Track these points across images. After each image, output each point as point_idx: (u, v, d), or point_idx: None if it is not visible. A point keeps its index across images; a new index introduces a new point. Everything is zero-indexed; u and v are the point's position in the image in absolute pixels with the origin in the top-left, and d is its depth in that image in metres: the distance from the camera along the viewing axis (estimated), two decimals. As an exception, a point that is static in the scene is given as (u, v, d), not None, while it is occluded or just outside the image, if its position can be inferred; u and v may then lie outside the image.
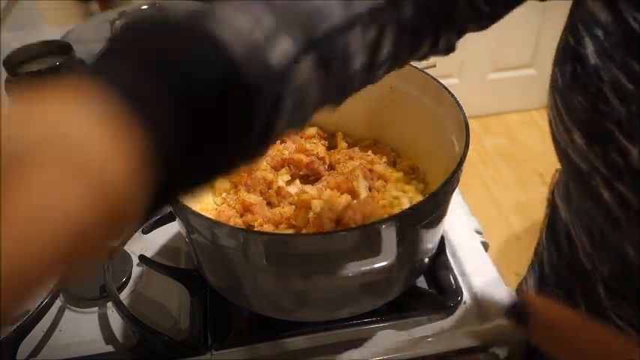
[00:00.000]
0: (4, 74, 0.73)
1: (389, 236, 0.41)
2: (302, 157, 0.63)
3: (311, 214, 0.55)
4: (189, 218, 0.46)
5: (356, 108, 0.68)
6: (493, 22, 0.38)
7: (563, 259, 0.50)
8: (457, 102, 0.54)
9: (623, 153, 0.32)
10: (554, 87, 0.37)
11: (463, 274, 0.62)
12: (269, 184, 0.62)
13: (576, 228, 0.45)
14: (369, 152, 0.66)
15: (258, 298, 0.52)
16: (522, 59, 2.18)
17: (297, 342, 0.54)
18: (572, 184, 0.42)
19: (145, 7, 1.01)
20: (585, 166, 0.36)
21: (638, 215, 0.33)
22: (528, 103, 2.26)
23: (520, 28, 2.06)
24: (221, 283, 0.55)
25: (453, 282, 0.58)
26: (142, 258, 0.61)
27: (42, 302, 0.56)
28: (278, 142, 0.69)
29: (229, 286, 0.54)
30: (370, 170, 0.63)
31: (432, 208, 0.47)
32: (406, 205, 0.59)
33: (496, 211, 1.90)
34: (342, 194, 0.58)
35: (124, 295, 0.60)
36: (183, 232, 0.52)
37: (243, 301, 0.54)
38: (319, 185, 0.61)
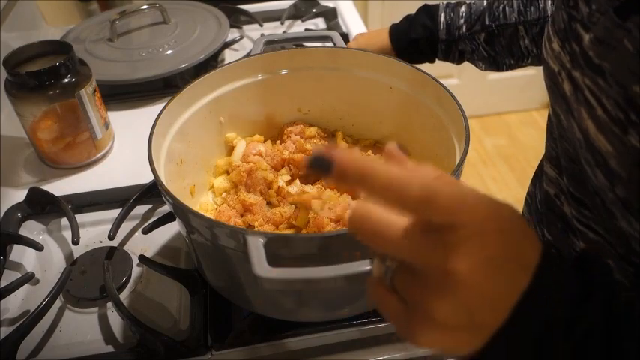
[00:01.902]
0: (4, 74, 0.73)
1: None
2: (302, 157, 0.63)
3: (311, 214, 0.55)
4: (189, 218, 0.46)
5: (356, 108, 0.69)
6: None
7: (540, 196, 0.55)
8: (457, 102, 0.54)
9: (579, 40, 0.40)
10: (551, 15, 0.47)
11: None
12: (269, 185, 0.62)
13: (551, 153, 0.51)
14: (369, 152, 0.66)
15: (258, 298, 0.52)
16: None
17: (297, 342, 0.54)
18: (550, 94, 0.48)
19: (145, 7, 1.01)
20: (556, 66, 0.44)
21: (582, 94, 0.40)
22: (528, 103, 2.26)
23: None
24: (221, 283, 0.55)
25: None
26: (142, 258, 0.61)
27: (42, 302, 0.56)
28: (278, 142, 0.69)
29: (229, 286, 0.54)
30: None
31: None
32: None
33: (496, 211, 1.90)
34: (342, 194, 0.58)
35: (124, 295, 0.60)
36: (183, 232, 0.52)
37: (243, 301, 0.54)
38: (319, 185, 0.61)
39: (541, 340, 0.27)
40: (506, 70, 0.73)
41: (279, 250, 0.42)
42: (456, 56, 0.73)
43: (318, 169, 0.28)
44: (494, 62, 0.72)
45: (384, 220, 0.28)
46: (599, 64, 0.37)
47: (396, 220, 0.28)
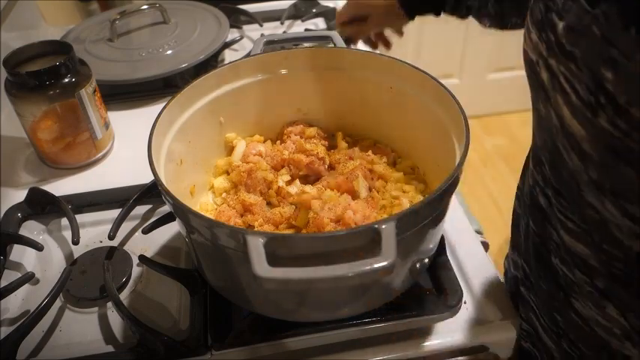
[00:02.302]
0: (4, 74, 0.73)
1: (389, 236, 0.41)
2: (302, 157, 0.63)
3: (311, 214, 0.55)
4: (189, 218, 0.46)
5: (356, 108, 0.69)
6: None
7: (525, 188, 0.57)
8: (457, 102, 0.54)
9: (554, 29, 0.41)
10: (530, 7, 0.47)
11: (463, 274, 0.62)
12: (269, 185, 0.62)
13: (533, 145, 0.53)
14: (369, 152, 0.66)
15: (258, 299, 0.52)
16: (522, 59, 2.18)
17: (297, 342, 0.54)
18: (530, 86, 0.50)
19: (144, 7, 1.01)
20: (535, 56, 0.45)
21: (558, 81, 0.41)
22: (528, 103, 2.25)
23: (520, 28, 2.06)
24: (221, 283, 0.55)
25: (452, 282, 0.58)
26: (142, 258, 0.61)
27: (42, 302, 0.56)
28: (278, 142, 0.69)
29: (229, 287, 0.54)
30: (370, 170, 0.63)
31: (433, 209, 0.47)
32: (406, 205, 0.59)
33: (496, 211, 1.90)
34: (342, 194, 0.58)
35: (124, 295, 0.60)
36: (183, 232, 0.52)
37: (243, 301, 0.54)
38: (319, 185, 0.61)
39: None
40: (510, 29, 0.74)
41: (279, 250, 0.42)
42: (463, 11, 0.75)
43: None
44: (500, 20, 0.74)
45: None
46: (571, 50, 0.39)
47: None
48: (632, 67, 0.34)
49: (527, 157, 0.59)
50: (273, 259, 0.39)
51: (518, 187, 0.60)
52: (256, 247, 0.39)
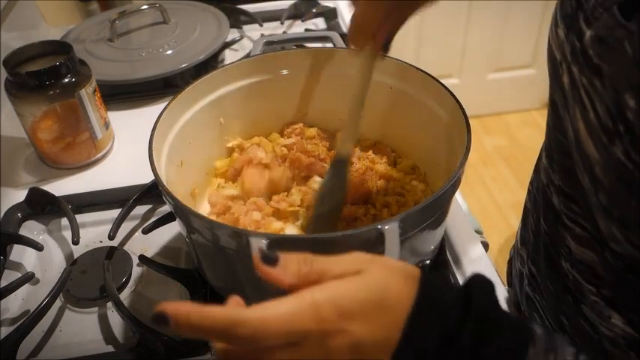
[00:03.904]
0: (4, 74, 0.73)
1: (392, 237, 0.41)
2: (302, 157, 0.63)
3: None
4: (190, 219, 0.46)
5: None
6: None
7: (538, 185, 0.55)
8: (459, 102, 0.54)
9: (580, 35, 0.38)
10: (558, 1, 0.45)
11: (463, 274, 0.62)
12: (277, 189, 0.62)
13: (546, 142, 0.51)
14: (370, 152, 0.65)
15: (260, 299, 0.52)
16: (522, 59, 2.18)
17: (297, 342, 0.54)
18: (550, 81, 0.47)
19: (144, 7, 1.01)
20: (559, 55, 0.43)
21: (578, 93, 0.38)
22: (528, 103, 2.26)
23: (520, 28, 2.06)
24: (222, 283, 0.55)
25: (453, 282, 0.58)
26: (142, 258, 0.61)
27: (42, 302, 0.56)
28: (278, 140, 0.69)
29: (230, 287, 0.54)
30: (371, 169, 0.63)
31: (434, 209, 0.47)
32: (410, 205, 0.59)
33: (496, 211, 1.90)
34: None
35: (124, 295, 0.60)
36: (184, 232, 0.52)
37: (244, 301, 0.54)
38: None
39: None
40: None
41: (281, 251, 0.42)
42: None
43: (159, 324, 0.29)
44: None
45: None
46: (599, 64, 0.36)
47: None
48: None
49: (541, 151, 0.56)
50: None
51: (531, 182, 0.59)
52: (259, 248, 0.39)
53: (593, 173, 0.38)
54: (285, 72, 0.66)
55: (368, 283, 0.31)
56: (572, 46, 0.40)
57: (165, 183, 0.49)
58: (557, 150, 0.47)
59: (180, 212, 0.47)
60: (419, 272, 0.32)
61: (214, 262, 0.52)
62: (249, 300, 0.53)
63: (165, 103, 0.57)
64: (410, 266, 0.33)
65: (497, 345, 0.31)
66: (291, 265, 0.32)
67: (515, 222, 1.81)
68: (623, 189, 0.35)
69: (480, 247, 0.65)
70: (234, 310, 0.29)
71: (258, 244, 0.39)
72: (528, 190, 0.60)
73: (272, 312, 0.29)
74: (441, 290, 0.32)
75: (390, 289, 0.31)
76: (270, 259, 0.32)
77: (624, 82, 0.33)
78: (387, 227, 0.41)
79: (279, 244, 0.41)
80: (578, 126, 0.39)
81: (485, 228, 0.72)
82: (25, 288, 0.61)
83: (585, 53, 0.37)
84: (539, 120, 2.23)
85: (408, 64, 0.61)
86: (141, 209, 0.70)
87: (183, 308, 0.29)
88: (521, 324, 0.33)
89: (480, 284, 0.33)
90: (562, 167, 0.46)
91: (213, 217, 0.59)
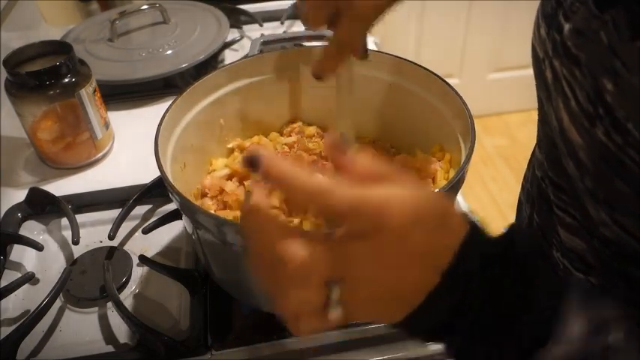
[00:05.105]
0: (4, 74, 0.73)
1: None
2: (304, 155, 0.63)
3: None
4: (197, 215, 0.46)
5: (354, 106, 0.68)
6: None
7: (531, 179, 0.57)
8: (462, 100, 0.54)
9: (560, 29, 0.40)
10: (540, 3, 0.47)
11: (463, 274, 0.62)
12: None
13: (538, 137, 0.53)
14: (369, 149, 0.65)
15: (267, 296, 0.52)
16: (522, 59, 2.17)
17: (297, 342, 0.54)
18: (535, 80, 0.49)
19: (145, 7, 1.01)
20: (542, 53, 0.45)
21: (560, 84, 0.40)
22: (528, 103, 2.25)
23: (520, 28, 2.06)
24: (229, 280, 0.55)
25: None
26: (142, 258, 0.61)
27: (42, 302, 0.56)
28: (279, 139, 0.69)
29: (237, 284, 0.54)
30: None
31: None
32: None
33: (496, 211, 1.90)
34: None
35: (124, 295, 0.60)
36: (189, 228, 0.52)
37: (250, 298, 0.54)
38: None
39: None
40: None
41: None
42: None
43: (248, 166, 0.31)
44: None
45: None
46: (576, 54, 0.38)
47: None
48: (633, 80, 0.33)
49: (535, 146, 0.58)
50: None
51: (525, 177, 0.60)
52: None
53: (577, 158, 0.39)
54: (284, 72, 0.66)
55: (437, 203, 0.32)
56: (553, 42, 0.42)
57: (172, 181, 0.49)
58: (546, 143, 0.49)
59: (187, 209, 0.47)
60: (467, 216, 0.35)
61: (222, 259, 0.52)
62: (257, 296, 0.53)
63: (165, 103, 0.57)
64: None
65: (541, 276, 0.32)
66: (363, 157, 0.32)
67: (515, 222, 1.81)
68: (607, 170, 0.37)
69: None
70: (332, 181, 0.30)
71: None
72: (522, 185, 0.61)
73: (369, 192, 0.30)
74: (485, 234, 0.34)
75: (452, 214, 0.32)
76: (342, 148, 0.33)
77: (601, 68, 0.35)
78: None
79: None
80: (561, 115, 0.41)
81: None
82: (25, 288, 0.61)
83: (564, 45, 0.40)
84: (540, 120, 2.23)
85: (410, 61, 0.61)
86: (141, 209, 0.70)
87: (279, 161, 0.31)
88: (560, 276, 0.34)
89: (524, 236, 0.36)
90: (550, 158, 0.48)
91: (210, 204, 0.60)
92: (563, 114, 0.40)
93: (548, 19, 0.43)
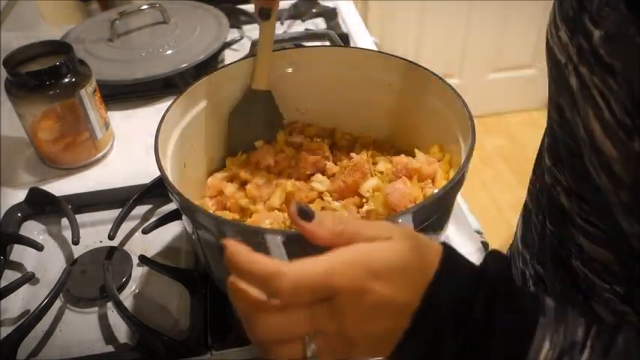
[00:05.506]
0: (4, 74, 0.73)
1: None
2: (308, 156, 0.63)
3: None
4: (197, 215, 0.46)
5: (354, 106, 0.68)
6: None
7: (540, 185, 0.56)
8: (462, 99, 0.54)
9: (588, 36, 0.38)
10: (556, 3, 0.45)
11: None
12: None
13: (550, 143, 0.51)
14: (370, 149, 0.65)
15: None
16: (522, 59, 2.18)
17: (297, 342, 0.54)
18: (553, 84, 0.47)
19: (145, 7, 1.01)
20: (563, 58, 0.43)
21: (589, 93, 0.38)
22: (528, 103, 2.26)
23: (520, 28, 2.06)
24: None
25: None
26: (142, 258, 0.61)
27: (42, 302, 0.56)
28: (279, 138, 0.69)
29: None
30: (374, 163, 0.63)
31: (437, 208, 0.47)
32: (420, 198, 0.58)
33: (496, 211, 1.90)
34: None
35: (124, 295, 0.60)
36: (189, 228, 0.52)
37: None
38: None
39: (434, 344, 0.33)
40: None
41: (297, 247, 0.41)
42: None
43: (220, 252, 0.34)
44: None
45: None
46: (610, 63, 0.35)
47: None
48: None
49: (541, 150, 0.56)
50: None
51: (531, 182, 0.59)
52: (277, 245, 0.39)
53: (611, 171, 0.38)
54: (284, 71, 0.66)
55: (397, 249, 0.33)
56: (578, 48, 0.39)
57: (172, 181, 0.49)
58: (565, 152, 0.46)
59: (187, 209, 0.47)
60: (441, 246, 0.35)
61: (221, 259, 0.52)
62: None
63: (165, 103, 0.57)
64: (434, 241, 0.36)
65: (508, 310, 0.33)
66: (326, 222, 0.34)
67: (515, 222, 1.81)
68: None
69: (480, 247, 0.65)
70: (278, 262, 0.33)
71: (274, 241, 0.39)
72: (529, 190, 0.60)
73: (310, 267, 0.32)
74: (460, 264, 0.35)
75: (417, 257, 0.33)
76: (307, 214, 0.35)
77: (638, 76, 0.33)
78: (400, 221, 0.41)
79: (296, 240, 0.41)
80: (591, 126, 0.38)
81: (485, 228, 0.72)
82: (25, 288, 0.61)
83: (596, 53, 0.37)
84: (539, 120, 2.23)
85: (409, 61, 0.61)
86: (141, 209, 0.70)
87: (241, 248, 0.33)
88: (533, 294, 0.36)
89: (496, 259, 0.36)
90: (571, 168, 0.46)
91: (209, 203, 0.60)
92: (595, 125, 0.38)
93: (569, 22, 0.41)
